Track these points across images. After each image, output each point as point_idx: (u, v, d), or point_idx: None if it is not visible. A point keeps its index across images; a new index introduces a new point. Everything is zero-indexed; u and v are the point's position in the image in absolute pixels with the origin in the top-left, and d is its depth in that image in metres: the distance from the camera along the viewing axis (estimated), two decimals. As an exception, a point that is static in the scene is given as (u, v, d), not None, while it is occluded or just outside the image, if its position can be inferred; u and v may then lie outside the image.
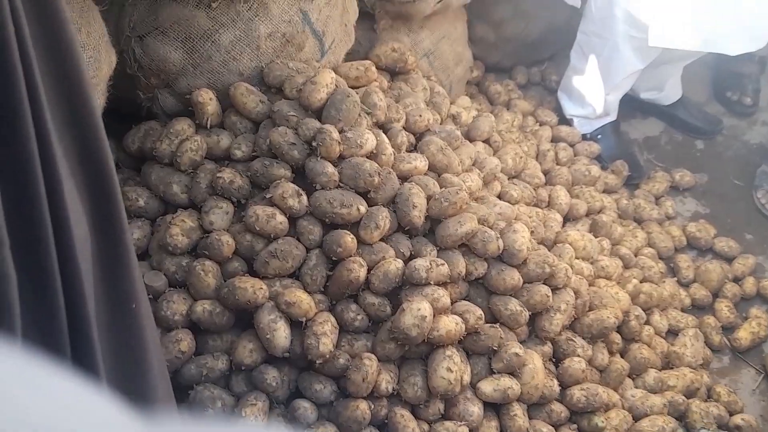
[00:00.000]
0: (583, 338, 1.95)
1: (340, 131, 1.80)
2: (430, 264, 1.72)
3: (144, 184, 1.91)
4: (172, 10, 1.88)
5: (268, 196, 1.76)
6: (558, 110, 2.82)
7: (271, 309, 1.67)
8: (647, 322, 2.16)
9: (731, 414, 2.05)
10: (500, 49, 2.94)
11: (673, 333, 2.23)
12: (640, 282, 2.25)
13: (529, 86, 3.00)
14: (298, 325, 1.69)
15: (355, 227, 1.76)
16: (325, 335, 1.66)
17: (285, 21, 1.97)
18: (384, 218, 1.75)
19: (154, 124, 1.97)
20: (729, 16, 2.34)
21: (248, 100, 1.90)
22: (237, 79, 1.94)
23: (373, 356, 1.69)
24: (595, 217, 2.41)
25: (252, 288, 1.67)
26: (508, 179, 2.30)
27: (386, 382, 1.70)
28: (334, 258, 1.73)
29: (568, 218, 2.39)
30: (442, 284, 1.75)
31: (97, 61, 1.64)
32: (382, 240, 1.78)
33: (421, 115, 2.03)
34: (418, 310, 1.65)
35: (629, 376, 2.03)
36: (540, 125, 2.72)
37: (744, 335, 2.28)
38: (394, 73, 2.27)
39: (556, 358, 1.93)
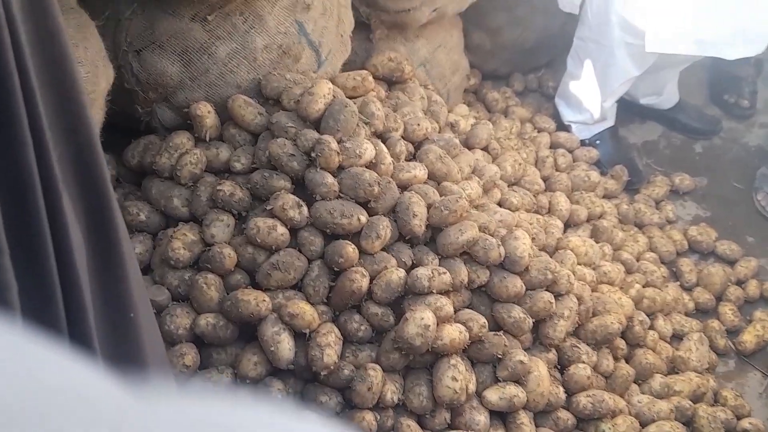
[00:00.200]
0: (587, 344, 1.94)
1: (339, 141, 1.80)
2: (432, 273, 1.72)
3: (144, 199, 1.90)
4: (168, 23, 1.88)
5: (268, 207, 1.76)
6: (556, 116, 2.82)
7: (274, 321, 1.66)
8: (651, 327, 2.15)
9: (738, 418, 2.03)
10: (497, 56, 2.94)
11: (677, 337, 2.22)
12: (643, 287, 2.24)
13: (526, 93, 3.00)
14: (302, 337, 1.68)
15: (356, 237, 1.75)
16: (329, 346, 1.65)
17: (281, 33, 1.97)
18: (385, 228, 1.75)
19: (153, 138, 1.96)
20: (726, 21, 2.34)
21: (246, 113, 1.90)
22: (234, 91, 1.94)
23: (377, 367, 1.68)
24: (596, 222, 2.40)
25: (255, 300, 1.66)
26: (508, 186, 2.30)
27: (391, 392, 1.69)
28: (336, 269, 1.73)
29: (569, 224, 2.39)
30: (444, 293, 1.74)
31: (95, 77, 1.63)
32: (383, 249, 1.78)
33: (419, 124, 2.03)
34: (421, 319, 1.64)
35: (635, 382, 2.02)
36: (538, 132, 2.72)
37: (749, 338, 2.27)
38: (391, 82, 2.26)
39: (561, 365, 1.92)
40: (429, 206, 1.82)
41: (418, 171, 1.90)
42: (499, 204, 2.16)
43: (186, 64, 1.90)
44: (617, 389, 1.95)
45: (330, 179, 1.75)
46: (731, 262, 2.50)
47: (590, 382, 1.88)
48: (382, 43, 2.40)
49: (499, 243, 1.82)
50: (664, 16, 2.38)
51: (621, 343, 2.04)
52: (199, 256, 1.77)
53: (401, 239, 1.82)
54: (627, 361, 2.05)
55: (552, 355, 1.89)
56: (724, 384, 2.17)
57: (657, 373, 2.05)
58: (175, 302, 1.75)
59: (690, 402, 2.00)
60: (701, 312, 2.36)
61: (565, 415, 1.85)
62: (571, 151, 2.68)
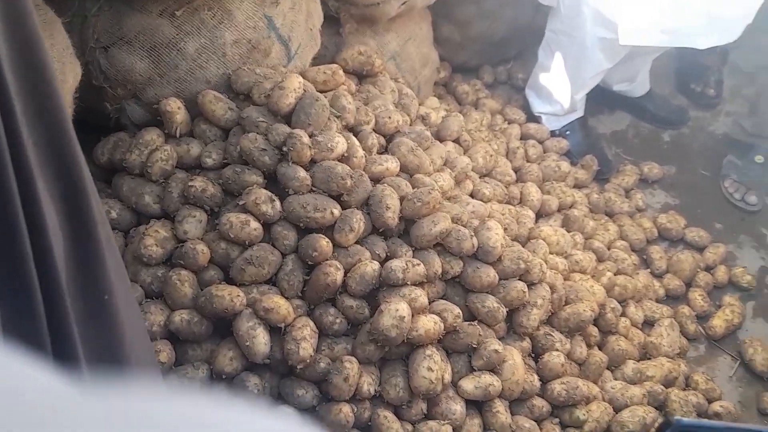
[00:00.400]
0: (560, 332, 1.96)
1: (311, 135, 1.80)
2: (406, 264, 1.72)
3: (115, 196, 1.89)
4: (136, 19, 1.87)
5: (241, 203, 1.75)
6: (526, 108, 2.84)
7: (249, 316, 1.66)
8: (623, 314, 2.18)
9: (710, 401, 2.08)
10: (466, 49, 2.96)
11: (649, 324, 2.26)
12: (615, 274, 2.27)
13: (496, 85, 3.02)
14: (278, 331, 1.68)
15: (330, 231, 1.75)
16: (305, 340, 1.65)
17: (250, 27, 1.96)
18: (358, 221, 1.75)
19: (123, 135, 1.95)
20: (698, 11, 2.35)
21: (217, 108, 1.89)
22: (204, 87, 1.93)
23: (353, 359, 1.69)
24: (567, 212, 2.43)
25: (229, 296, 1.66)
26: (480, 178, 2.31)
27: (368, 384, 1.70)
28: (310, 262, 1.73)
29: (541, 214, 2.41)
30: (419, 284, 1.75)
31: (62, 73, 1.62)
32: (357, 242, 1.78)
33: (390, 117, 2.04)
34: (396, 310, 1.65)
35: (608, 368, 2.05)
36: (508, 123, 2.74)
37: (718, 323, 2.31)
38: (362, 76, 2.27)
39: (535, 353, 1.94)
40: (402, 198, 1.82)
41: (391, 164, 1.90)
42: (471, 195, 2.17)
43: (155, 60, 1.89)
44: (591, 376, 1.98)
45: (302, 173, 1.75)
46: (700, 249, 2.54)
47: (564, 370, 1.90)
48: (352, 36, 2.40)
49: (472, 234, 1.83)
50: (636, 7, 2.39)
51: (594, 331, 2.06)
52: (172, 252, 1.76)
53: (375, 232, 1.82)
54: (600, 348, 2.08)
55: (526, 344, 1.90)
56: (695, 368, 2.21)
57: (629, 359, 2.08)
58: (148, 299, 1.74)
59: (662, 387, 2.03)
60: (672, 298, 2.40)
61: (540, 403, 1.87)
62: (541, 142, 2.70)
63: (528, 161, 2.59)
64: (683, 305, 2.35)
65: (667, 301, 2.39)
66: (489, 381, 1.76)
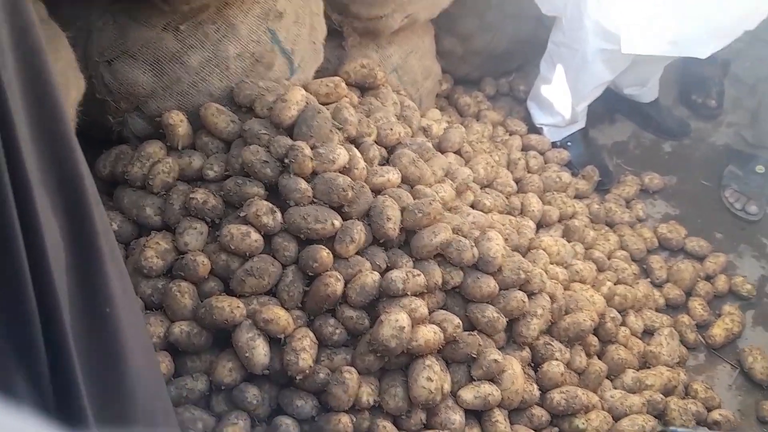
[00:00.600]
0: (560, 342, 1.97)
1: (312, 147, 1.81)
2: (407, 275, 1.74)
3: (117, 208, 1.91)
4: (140, 33, 1.89)
5: (242, 214, 1.77)
6: (527, 119, 2.86)
7: (249, 327, 1.68)
8: (623, 324, 2.19)
9: (709, 410, 2.08)
10: (468, 61, 2.98)
11: (648, 333, 2.27)
12: (615, 284, 2.28)
13: (497, 97, 3.04)
14: (277, 342, 1.69)
15: (331, 242, 1.77)
16: (305, 351, 1.66)
17: (253, 41, 1.98)
18: (359, 231, 1.77)
19: (125, 147, 1.97)
20: (698, 20, 2.35)
21: (219, 120, 1.91)
22: (207, 99, 1.95)
23: (353, 369, 1.70)
24: (568, 222, 2.44)
25: (229, 307, 1.67)
26: (481, 189, 2.32)
27: (367, 394, 1.71)
28: (310, 273, 1.74)
29: (541, 225, 2.42)
30: (419, 295, 1.76)
31: (66, 87, 1.63)
32: (357, 253, 1.79)
33: (392, 129, 2.05)
34: (396, 321, 1.66)
35: (607, 377, 2.06)
36: (510, 135, 2.76)
37: (718, 332, 2.31)
38: (364, 88, 2.29)
39: (535, 363, 1.95)
40: (403, 209, 1.84)
41: (392, 175, 1.92)
42: (472, 206, 2.18)
43: (158, 73, 1.91)
44: (590, 385, 1.98)
45: (303, 185, 1.77)
46: (700, 258, 2.55)
47: (563, 379, 1.91)
48: (355, 50, 2.42)
49: (473, 244, 1.84)
50: (638, 18, 2.40)
51: (593, 340, 2.07)
52: (173, 264, 1.78)
53: (375, 243, 1.83)
54: (599, 357, 2.08)
55: (526, 353, 1.91)
56: (694, 377, 2.22)
57: (629, 368, 2.09)
58: (148, 311, 1.76)
59: (661, 395, 2.03)
60: (671, 307, 2.41)
61: (539, 412, 1.87)
62: (542, 153, 2.72)
63: (529, 172, 2.61)
64: (683, 314, 2.36)
65: (667, 310, 2.40)
66: (488, 390, 1.77)
